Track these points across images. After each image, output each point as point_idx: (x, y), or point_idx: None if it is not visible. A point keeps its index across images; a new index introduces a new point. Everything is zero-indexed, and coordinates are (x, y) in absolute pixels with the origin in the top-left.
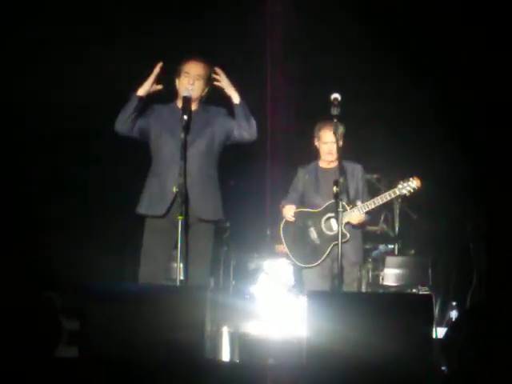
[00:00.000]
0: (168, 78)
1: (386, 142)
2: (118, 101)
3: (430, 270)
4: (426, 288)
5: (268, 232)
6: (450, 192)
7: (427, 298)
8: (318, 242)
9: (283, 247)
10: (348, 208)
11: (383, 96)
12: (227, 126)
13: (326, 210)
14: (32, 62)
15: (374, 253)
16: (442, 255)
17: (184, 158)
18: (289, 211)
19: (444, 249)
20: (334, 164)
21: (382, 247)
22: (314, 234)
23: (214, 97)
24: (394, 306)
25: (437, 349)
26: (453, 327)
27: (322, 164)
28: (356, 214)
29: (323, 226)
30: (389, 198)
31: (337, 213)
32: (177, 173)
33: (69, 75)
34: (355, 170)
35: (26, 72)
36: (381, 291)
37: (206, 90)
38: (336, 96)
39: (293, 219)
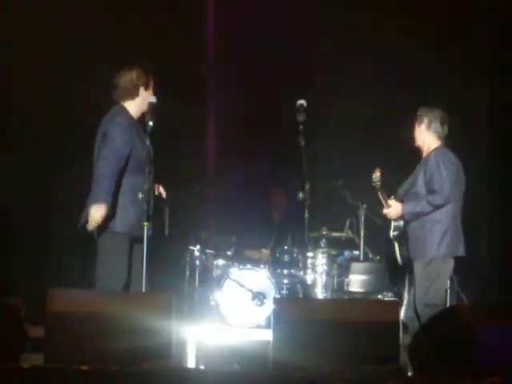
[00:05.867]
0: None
1: (348, 145)
2: None
3: (395, 276)
4: (391, 294)
5: (233, 238)
6: None
7: (393, 303)
8: None
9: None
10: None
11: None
12: None
13: None
14: None
15: (339, 259)
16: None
17: (150, 162)
18: None
19: None
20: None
21: (347, 253)
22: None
23: None
24: (359, 312)
25: (404, 354)
26: (420, 332)
27: None
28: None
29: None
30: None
31: None
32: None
33: None
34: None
35: None
36: (346, 297)
37: None
38: (302, 102)
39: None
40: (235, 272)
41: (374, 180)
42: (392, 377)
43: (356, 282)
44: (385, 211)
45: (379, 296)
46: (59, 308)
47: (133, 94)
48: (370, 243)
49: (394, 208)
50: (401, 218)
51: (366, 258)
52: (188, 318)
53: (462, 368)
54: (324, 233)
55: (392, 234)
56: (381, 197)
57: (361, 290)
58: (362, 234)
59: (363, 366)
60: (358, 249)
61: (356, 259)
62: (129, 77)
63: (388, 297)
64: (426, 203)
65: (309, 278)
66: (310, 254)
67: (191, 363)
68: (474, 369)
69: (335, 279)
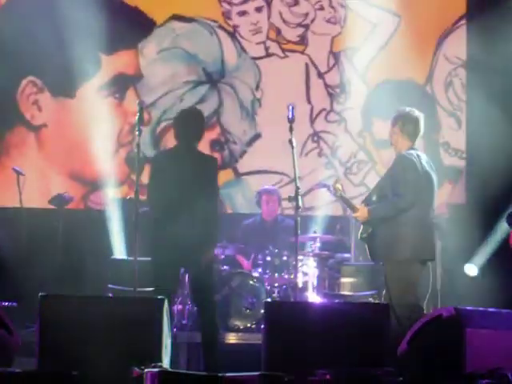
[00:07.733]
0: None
1: None
2: None
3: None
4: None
5: (224, 242)
6: None
7: (384, 306)
8: None
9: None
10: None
11: None
12: None
13: None
14: None
15: (330, 262)
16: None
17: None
18: None
19: None
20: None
21: (338, 256)
22: None
23: None
24: (350, 315)
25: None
26: (411, 337)
27: None
28: None
29: None
30: None
31: None
32: None
33: None
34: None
35: None
36: (337, 300)
37: None
38: (292, 104)
39: None
40: (226, 276)
41: (337, 192)
42: (386, 379)
43: (347, 284)
44: (354, 215)
45: (370, 299)
46: (51, 312)
47: (201, 137)
48: (360, 246)
49: (361, 211)
50: (368, 220)
51: (357, 261)
52: (179, 321)
53: (451, 374)
54: (315, 235)
55: (361, 235)
56: (346, 204)
57: (352, 293)
58: (353, 237)
59: (356, 368)
60: (349, 251)
61: (347, 262)
62: (201, 120)
63: (379, 299)
64: (390, 206)
65: (300, 281)
66: (300, 257)
67: (183, 367)
68: (463, 373)
69: (326, 282)
